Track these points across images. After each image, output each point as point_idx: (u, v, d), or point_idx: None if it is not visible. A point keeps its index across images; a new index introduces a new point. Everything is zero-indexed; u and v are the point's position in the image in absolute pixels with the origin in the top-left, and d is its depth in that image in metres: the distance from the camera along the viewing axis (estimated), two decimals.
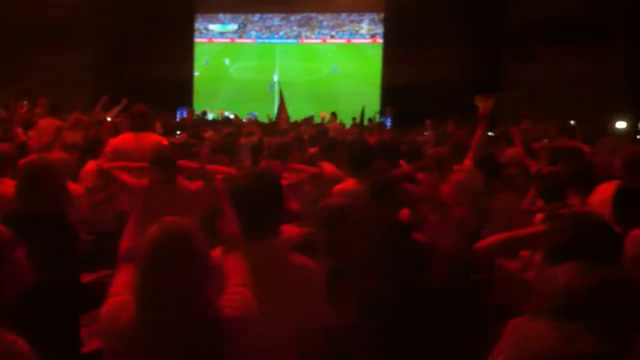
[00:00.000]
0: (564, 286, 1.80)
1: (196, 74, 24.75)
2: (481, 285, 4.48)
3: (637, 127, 16.54)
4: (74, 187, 5.72)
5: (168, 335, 2.04)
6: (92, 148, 6.39)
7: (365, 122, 16.53)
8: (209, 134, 11.26)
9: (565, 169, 5.25)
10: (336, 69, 24.62)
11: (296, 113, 16.79)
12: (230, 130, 11.38)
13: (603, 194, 5.01)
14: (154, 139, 5.81)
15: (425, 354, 3.80)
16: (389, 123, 20.14)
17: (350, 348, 3.03)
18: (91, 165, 6.01)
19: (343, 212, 3.62)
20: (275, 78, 23.71)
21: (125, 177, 4.78)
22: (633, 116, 17.08)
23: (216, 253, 2.51)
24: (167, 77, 21.40)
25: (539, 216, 4.33)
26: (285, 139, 7.56)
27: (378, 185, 4.40)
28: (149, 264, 2.07)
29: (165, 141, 6.02)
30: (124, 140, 5.92)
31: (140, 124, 5.94)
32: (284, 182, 5.43)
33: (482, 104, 11.10)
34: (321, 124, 15.63)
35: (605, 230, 2.41)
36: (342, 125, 15.94)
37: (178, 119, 18.34)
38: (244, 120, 16.51)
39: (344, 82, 24.14)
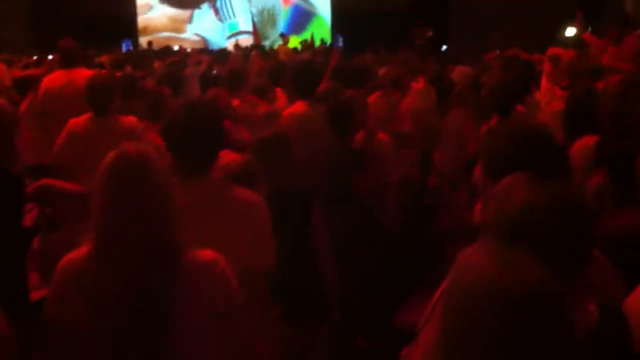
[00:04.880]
0: (519, 206, 1.72)
1: None
2: (436, 209, 4.45)
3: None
4: None
5: (120, 271, 1.90)
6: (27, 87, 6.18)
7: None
8: (156, 64, 10.94)
9: (511, 78, 5.17)
10: None
11: None
12: (174, 59, 11.02)
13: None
14: (85, 73, 5.53)
15: (378, 287, 3.77)
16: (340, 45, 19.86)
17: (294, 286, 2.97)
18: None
19: (281, 141, 3.51)
20: None
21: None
22: (582, 24, 17.12)
23: None
24: (109, 13, 20.57)
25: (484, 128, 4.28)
26: (237, 66, 7.33)
27: (334, 109, 4.25)
28: (104, 191, 1.91)
29: None
30: (54, 78, 5.77)
31: (70, 60, 5.79)
32: (235, 112, 5.31)
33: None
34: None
35: (548, 140, 2.31)
36: (292, 48, 15.64)
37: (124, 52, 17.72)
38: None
39: None
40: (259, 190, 2.71)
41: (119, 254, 1.89)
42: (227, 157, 3.05)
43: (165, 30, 22.71)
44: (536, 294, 1.33)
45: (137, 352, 1.91)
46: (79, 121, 4.42)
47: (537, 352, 1.31)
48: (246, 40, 20.79)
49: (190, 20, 22.73)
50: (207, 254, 2.02)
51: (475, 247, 1.46)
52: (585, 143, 3.35)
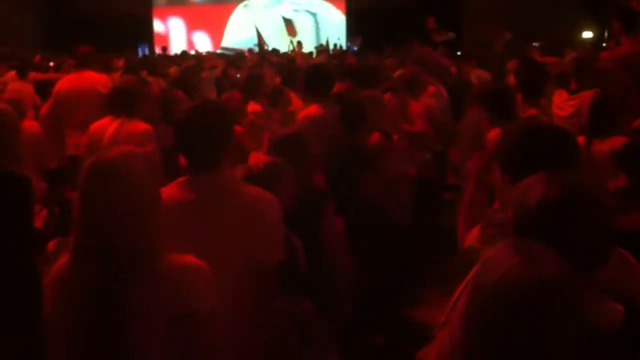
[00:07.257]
0: (535, 202, 1.69)
1: None
2: (453, 206, 4.42)
3: (604, 36, 16.45)
4: (30, 124, 5.60)
5: (89, 272, 1.87)
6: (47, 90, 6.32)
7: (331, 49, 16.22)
8: (172, 69, 10.99)
9: (516, 80, 5.09)
10: None
11: None
12: (190, 64, 11.08)
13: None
14: (90, 77, 5.89)
15: (392, 283, 3.75)
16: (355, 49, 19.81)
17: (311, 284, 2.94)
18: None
19: (300, 140, 3.48)
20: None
21: None
22: (598, 26, 17.02)
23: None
24: (125, 13, 20.71)
25: (492, 133, 4.21)
26: (256, 71, 7.35)
27: (346, 109, 4.25)
28: (80, 194, 1.89)
29: (104, 79, 5.97)
30: (65, 81, 6.02)
31: (82, 64, 6.06)
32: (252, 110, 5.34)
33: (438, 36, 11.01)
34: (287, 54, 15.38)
35: (562, 136, 2.27)
36: (308, 53, 15.69)
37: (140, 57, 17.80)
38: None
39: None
40: (280, 193, 2.69)
41: (89, 255, 1.88)
42: (255, 159, 3.05)
43: None
44: (558, 289, 1.34)
45: (99, 351, 1.89)
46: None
47: (557, 345, 1.32)
48: None
49: None
50: (187, 259, 1.96)
51: (498, 245, 1.45)
52: (611, 145, 3.37)
